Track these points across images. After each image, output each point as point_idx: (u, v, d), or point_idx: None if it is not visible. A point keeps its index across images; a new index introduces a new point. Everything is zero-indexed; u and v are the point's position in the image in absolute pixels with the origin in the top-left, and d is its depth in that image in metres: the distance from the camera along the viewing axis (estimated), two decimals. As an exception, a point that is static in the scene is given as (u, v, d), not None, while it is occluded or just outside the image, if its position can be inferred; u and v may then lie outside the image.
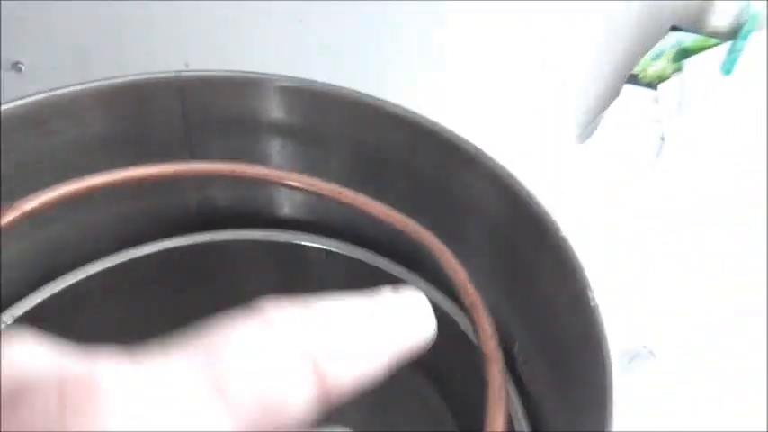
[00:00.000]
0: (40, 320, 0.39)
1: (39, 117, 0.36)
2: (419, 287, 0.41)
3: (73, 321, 0.41)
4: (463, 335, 0.40)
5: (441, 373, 0.45)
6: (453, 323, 0.40)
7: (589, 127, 0.57)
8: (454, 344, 0.40)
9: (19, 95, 0.35)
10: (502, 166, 0.36)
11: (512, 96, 0.56)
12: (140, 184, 0.32)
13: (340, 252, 0.43)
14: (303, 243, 0.44)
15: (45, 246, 0.41)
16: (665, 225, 0.60)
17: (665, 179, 0.58)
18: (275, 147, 0.42)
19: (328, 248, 0.43)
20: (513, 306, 0.36)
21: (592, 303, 0.29)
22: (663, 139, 0.55)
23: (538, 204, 0.34)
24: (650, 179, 0.58)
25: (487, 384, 0.30)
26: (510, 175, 0.35)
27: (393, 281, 0.42)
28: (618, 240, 0.62)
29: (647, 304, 0.64)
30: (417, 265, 0.42)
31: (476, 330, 0.32)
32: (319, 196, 0.37)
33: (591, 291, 0.29)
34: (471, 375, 0.42)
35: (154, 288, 0.44)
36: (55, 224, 0.41)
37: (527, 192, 0.34)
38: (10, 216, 0.31)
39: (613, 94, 0.54)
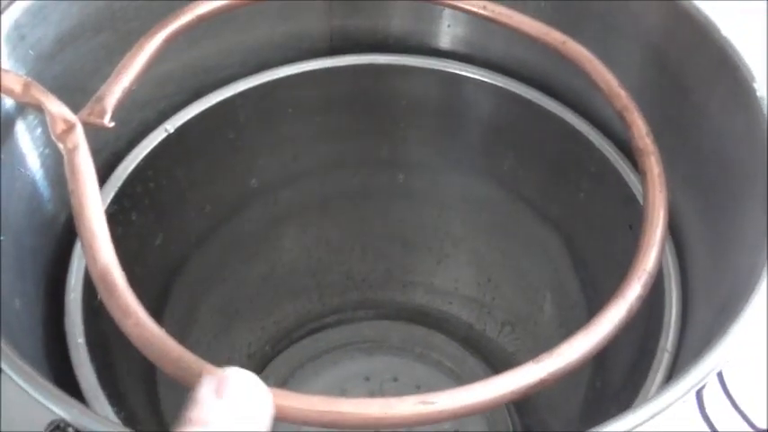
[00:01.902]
0: (195, 133, 0.42)
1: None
2: (567, 119, 0.41)
3: (221, 137, 0.44)
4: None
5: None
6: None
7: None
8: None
9: None
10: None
11: None
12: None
13: (492, 83, 0.43)
14: (457, 72, 0.44)
15: (195, 64, 0.43)
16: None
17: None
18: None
19: (482, 78, 0.43)
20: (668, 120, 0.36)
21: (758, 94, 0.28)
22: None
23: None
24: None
25: (644, 176, 0.31)
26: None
27: (541, 112, 0.42)
28: None
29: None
30: (569, 100, 0.42)
31: (630, 130, 0.32)
32: (473, 14, 0.37)
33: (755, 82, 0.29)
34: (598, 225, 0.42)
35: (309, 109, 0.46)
36: (204, 46, 0.43)
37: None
38: (184, 19, 0.33)
39: None
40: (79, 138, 0.26)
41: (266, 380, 0.53)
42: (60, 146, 0.26)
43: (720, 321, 0.26)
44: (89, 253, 0.24)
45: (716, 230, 0.32)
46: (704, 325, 0.30)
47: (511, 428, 0.51)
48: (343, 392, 0.54)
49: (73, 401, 0.23)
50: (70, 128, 0.26)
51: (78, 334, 0.32)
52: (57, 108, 0.26)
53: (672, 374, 0.31)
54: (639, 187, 0.38)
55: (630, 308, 0.26)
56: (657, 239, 0.27)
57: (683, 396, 0.23)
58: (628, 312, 0.25)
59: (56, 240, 0.35)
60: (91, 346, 0.32)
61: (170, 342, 0.23)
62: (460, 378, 0.55)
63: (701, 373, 0.24)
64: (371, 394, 0.54)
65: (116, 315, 0.23)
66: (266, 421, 0.20)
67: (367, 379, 0.55)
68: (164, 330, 0.23)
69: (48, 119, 0.26)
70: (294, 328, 0.57)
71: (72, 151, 0.25)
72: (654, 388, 0.30)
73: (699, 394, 0.32)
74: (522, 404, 0.50)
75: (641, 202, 0.37)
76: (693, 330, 0.31)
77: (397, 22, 0.45)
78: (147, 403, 0.37)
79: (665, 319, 0.32)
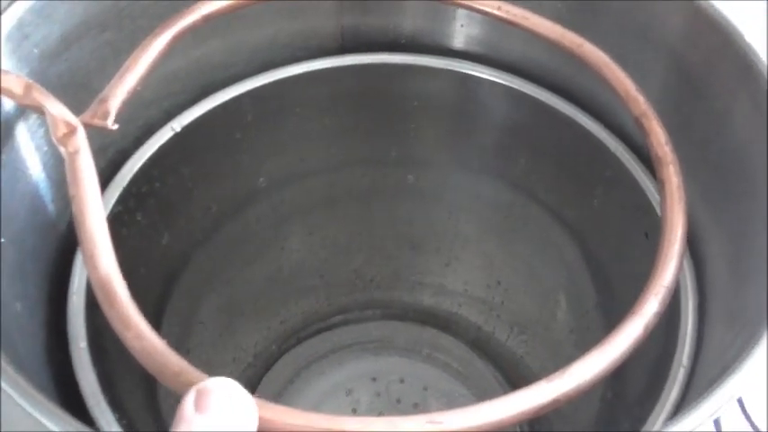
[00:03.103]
0: (201, 132, 0.41)
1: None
2: (581, 122, 0.40)
3: (228, 137, 0.43)
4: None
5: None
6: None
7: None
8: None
9: None
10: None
11: None
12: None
13: (506, 84, 0.42)
14: (471, 72, 0.43)
15: (202, 62, 0.42)
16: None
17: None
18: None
19: (496, 79, 0.42)
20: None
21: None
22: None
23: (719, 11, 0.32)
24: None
25: (662, 186, 0.30)
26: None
27: (556, 115, 0.41)
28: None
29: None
30: (584, 103, 0.41)
31: (648, 137, 0.31)
32: (487, 15, 0.36)
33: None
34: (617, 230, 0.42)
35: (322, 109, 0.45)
36: (210, 44, 0.42)
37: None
38: (189, 19, 0.32)
39: None
40: (80, 141, 0.25)
41: (272, 379, 0.54)
42: (61, 149, 0.25)
43: (740, 339, 0.25)
44: (89, 262, 0.23)
45: (736, 244, 0.31)
46: (723, 341, 0.29)
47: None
48: (349, 393, 0.54)
49: (71, 420, 0.22)
50: (71, 131, 0.25)
51: (81, 338, 0.32)
52: (58, 110, 0.25)
53: (688, 390, 0.30)
54: (656, 195, 0.37)
55: (647, 325, 0.25)
56: (675, 254, 0.26)
57: (700, 425, 0.22)
58: (644, 330, 0.25)
59: (58, 242, 0.34)
60: (93, 351, 0.31)
61: (171, 355, 0.22)
62: (468, 380, 0.55)
63: (720, 400, 0.24)
64: (378, 395, 0.53)
65: (116, 327, 0.22)
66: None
67: (373, 380, 0.55)
68: (165, 342, 0.22)
69: (48, 122, 0.25)
70: (301, 328, 0.56)
71: (73, 155, 0.25)
72: (669, 404, 0.30)
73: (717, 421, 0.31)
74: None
75: (657, 210, 0.37)
76: (711, 345, 0.30)
77: (410, 21, 0.44)
78: (149, 409, 0.36)
79: (681, 332, 0.31)
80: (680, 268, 0.27)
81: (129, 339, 0.22)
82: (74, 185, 0.24)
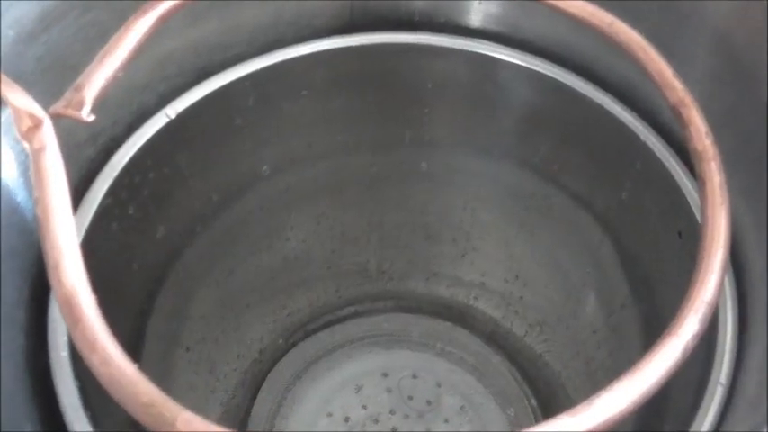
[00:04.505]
0: (199, 118, 0.38)
1: None
2: (609, 109, 0.37)
3: (228, 123, 0.41)
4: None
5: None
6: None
7: None
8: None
9: None
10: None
11: None
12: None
13: (527, 66, 0.39)
14: (489, 53, 0.40)
15: (198, 43, 0.39)
16: None
17: None
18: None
19: (516, 61, 0.39)
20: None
21: None
22: None
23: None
24: None
25: (703, 185, 0.26)
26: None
27: (582, 100, 0.38)
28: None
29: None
30: (612, 87, 0.38)
31: (687, 129, 0.28)
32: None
33: None
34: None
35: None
36: (208, 23, 0.39)
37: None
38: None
39: None
40: (47, 137, 0.22)
41: (279, 374, 0.52)
42: (26, 146, 0.22)
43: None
44: (53, 274, 0.21)
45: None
46: (764, 357, 0.26)
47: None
48: (358, 389, 0.52)
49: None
50: (37, 125, 0.22)
51: (62, 346, 0.29)
52: (22, 102, 0.23)
53: (726, 412, 0.27)
54: (692, 191, 0.34)
55: (686, 348, 0.22)
56: (718, 265, 0.23)
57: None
58: (683, 353, 0.22)
59: (39, 244, 0.32)
60: (75, 361, 0.29)
61: (142, 384, 0.19)
62: (484, 377, 0.52)
63: (763, 422, 0.21)
64: (389, 391, 0.51)
65: (81, 349, 0.20)
66: None
67: (385, 375, 0.53)
68: (136, 369, 0.20)
69: (12, 114, 0.23)
70: (309, 321, 0.54)
71: (38, 152, 0.22)
72: (706, 425, 0.27)
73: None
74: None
75: (693, 207, 0.34)
76: (752, 362, 0.27)
77: (423, -4, 0.41)
78: (131, 425, 0.34)
79: (719, 348, 0.28)
80: (722, 281, 0.23)
81: (94, 364, 0.19)
82: (38, 187, 0.22)
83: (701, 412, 0.27)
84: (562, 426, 0.20)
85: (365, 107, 0.44)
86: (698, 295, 0.23)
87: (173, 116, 0.37)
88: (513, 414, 0.52)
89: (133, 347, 0.38)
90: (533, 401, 0.52)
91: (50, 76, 0.31)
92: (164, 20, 0.30)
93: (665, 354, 0.22)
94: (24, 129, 0.23)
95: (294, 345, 0.53)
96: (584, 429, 0.20)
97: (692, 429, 0.27)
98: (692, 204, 0.33)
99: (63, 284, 0.20)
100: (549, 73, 0.39)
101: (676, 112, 0.29)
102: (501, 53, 0.40)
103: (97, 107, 0.26)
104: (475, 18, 0.41)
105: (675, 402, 0.31)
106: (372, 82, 0.42)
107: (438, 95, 0.43)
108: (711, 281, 0.23)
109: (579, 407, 0.20)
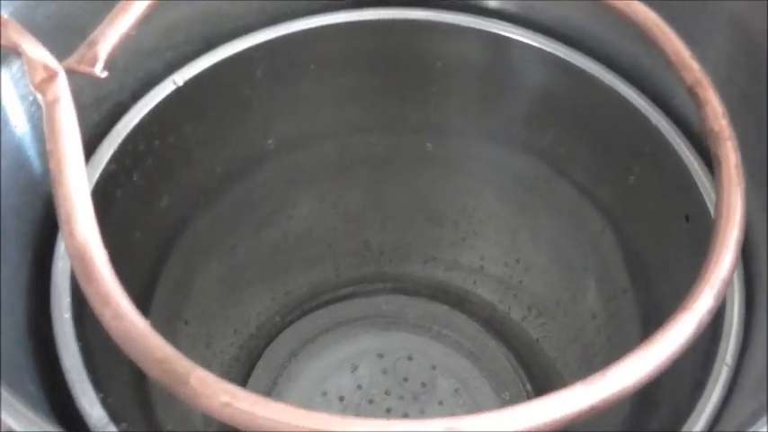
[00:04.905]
0: (206, 87, 0.38)
1: None
2: (620, 91, 0.37)
3: (235, 93, 0.40)
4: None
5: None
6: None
7: None
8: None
9: None
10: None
11: None
12: None
13: (541, 47, 0.39)
14: (502, 33, 0.40)
15: (207, 11, 0.39)
16: None
17: None
18: None
19: (530, 42, 0.39)
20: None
21: None
22: None
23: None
24: None
25: (718, 165, 0.26)
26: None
27: (593, 83, 0.38)
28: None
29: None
30: (625, 70, 0.38)
31: (702, 109, 0.28)
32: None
33: None
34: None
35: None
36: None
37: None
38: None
39: None
40: (61, 89, 0.22)
41: (274, 352, 0.52)
42: (39, 97, 0.22)
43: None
44: (65, 227, 0.20)
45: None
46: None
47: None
48: (354, 369, 0.51)
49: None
50: (51, 76, 0.22)
51: (65, 308, 0.29)
52: (37, 52, 0.22)
53: (732, 391, 0.27)
54: (701, 174, 0.34)
55: (700, 323, 0.22)
56: (734, 241, 0.23)
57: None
58: (697, 328, 0.21)
59: (44, 200, 0.32)
60: (77, 322, 0.29)
61: (155, 340, 0.19)
62: (479, 360, 0.52)
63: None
64: (384, 372, 0.51)
65: (93, 304, 0.20)
66: None
67: (380, 356, 0.52)
68: (149, 324, 0.19)
69: (26, 65, 0.22)
70: (306, 299, 0.54)
71: (52, 104, 0.22)
72: (710, 406, 0.27)
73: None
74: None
75: (702, 191, 0.34)
76: (758, 342, 0.27)
77: (437, -28, 0.41)
78: (137, 389, 0.33)
79: (726, 328, 0.28)
80: (737, 259, 0.23)
81: (106, 319, 0.19)
82: (51, 139, 0.21)
83: (705, 393, 0.27)
84: (576, 395, 0.20)
85: (374, 84, 0.43)
86: (714, 270, 0.23)
87: (180, 83, 0.37)
88: (507, 398, 0.51)
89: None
90: (528, 386, 0.52)
91: (60, 37, 0.30)
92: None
93: (680, 327, 0.21)
94: (38, 80, 0.22)
95: (291, 323, 0.53)
96: (597, 399, 0.20)
97: (696, 409, 0.27)
98: (700, 187, 0.33)
99: (75, 237, 0.20)
100: (562, 55, 0.38)
101: (692, 93, 0.29)
102: (515, 33, 0.39)
103: (107, 68, 0.25)
104: (493, -1, 0.41)
105: (674, 385, 0.31)
106: (382, 58, 0.42)
107: (447, 76, 0.43)
108: (728, 255, 0.23)
109: (593, 377, 0.20)
